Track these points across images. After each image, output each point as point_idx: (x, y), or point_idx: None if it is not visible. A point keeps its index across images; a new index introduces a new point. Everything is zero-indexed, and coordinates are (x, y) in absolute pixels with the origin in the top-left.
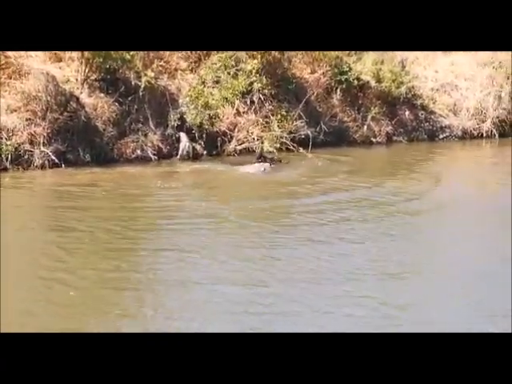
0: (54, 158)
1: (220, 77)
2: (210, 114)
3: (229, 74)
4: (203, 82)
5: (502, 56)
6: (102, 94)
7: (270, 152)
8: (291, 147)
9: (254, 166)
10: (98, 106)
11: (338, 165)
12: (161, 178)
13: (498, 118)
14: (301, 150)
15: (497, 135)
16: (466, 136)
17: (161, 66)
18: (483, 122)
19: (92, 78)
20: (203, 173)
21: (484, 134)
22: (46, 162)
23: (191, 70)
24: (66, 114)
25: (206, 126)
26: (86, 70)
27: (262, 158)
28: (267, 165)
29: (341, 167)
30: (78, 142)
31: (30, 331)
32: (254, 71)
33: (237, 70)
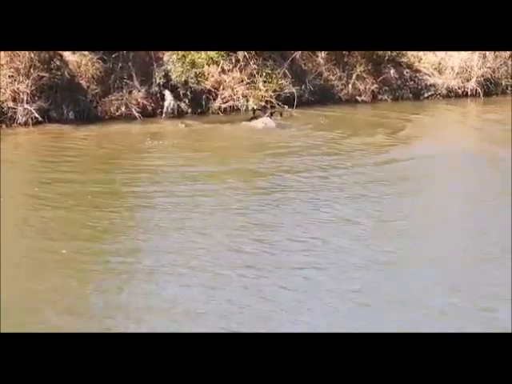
0: (37, 115)
1: None
2: (196, 72)
3: None
4: None
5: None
6: (86, 52)
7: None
8: (276, 105)
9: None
10: (82, 63)
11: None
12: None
13: (482, 76)
14: (286, 108)
15: (481, 94)
16: (451, 95)
17: None
18: (468, 80)
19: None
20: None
21: (469, 93)
22: (30, 119)
23: None
24: (49, 71)
25: (192, 84)
26: None
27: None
28: (268, 119)
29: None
30: (61, 99)
31: (29, 331)
32: None
33: None
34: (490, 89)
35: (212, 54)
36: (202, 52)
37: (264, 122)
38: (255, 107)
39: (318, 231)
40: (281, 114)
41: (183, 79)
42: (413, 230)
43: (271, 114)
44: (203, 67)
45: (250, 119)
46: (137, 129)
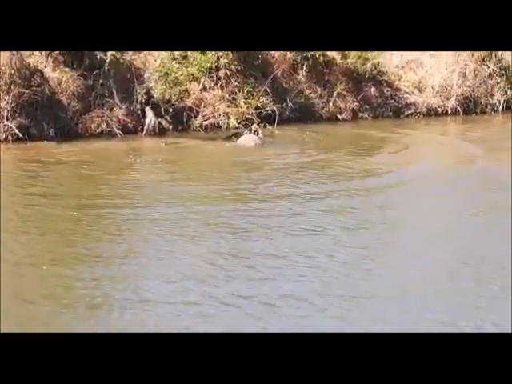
0: (17, 132)
1: (186, 52)
2: (180, 90)
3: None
4: (173, 58)
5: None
6: (67, 69)
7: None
8: (257, 123)
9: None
10: (63, 80)
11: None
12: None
13: (462, 95)
14: (268, 126)
15: (461, 112)
16: (431, 113)
17: None
18: (448, 99)
19: (57, 51)
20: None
21: (449, 111)
22: (10, 136)
23: None
24: (30, 87)
25: (174, 102)
26: None
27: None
28: (252, 137)
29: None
30: (42, 116)
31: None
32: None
33: None
34: (470, 107)
35: (193, 70)
36: (184, 69)
37: (248, 139)
38: (236, 125)
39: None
40: (256, 132)
41: (166, 97)
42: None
43: (254, 132)
44: (186, 84)
45: (231, 136)
46: (118, 146)
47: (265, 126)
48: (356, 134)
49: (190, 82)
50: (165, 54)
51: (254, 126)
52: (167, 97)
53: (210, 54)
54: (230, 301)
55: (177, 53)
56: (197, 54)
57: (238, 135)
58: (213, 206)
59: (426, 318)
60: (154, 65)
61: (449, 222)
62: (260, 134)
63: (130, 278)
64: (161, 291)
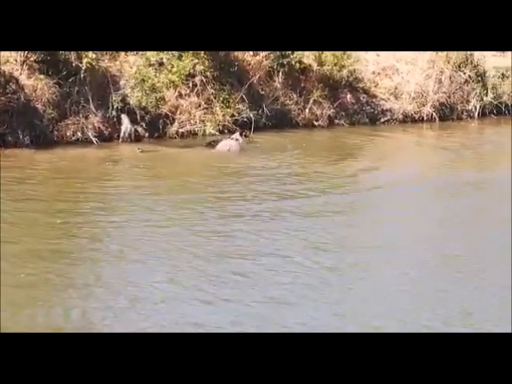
0: None
1: (162, 58)
2: (156, 97)
3: (173, 55)
4: (150, 65)
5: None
6: (42, 76)
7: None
8: (233, 130)
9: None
10: (38, 87)
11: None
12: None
13: (438, 101)
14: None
15: (437, 119)
16: (407, 119)
17: None
18: (424, 105)
19: (32, 59)
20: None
21: (424, 118)
22: None
23: (133, 53)
24: (5, 95)
25: (150, 109)
26: (26, 51)
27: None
28: (233, 143)
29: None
30: (17, 123)
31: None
32: (201, 53)
33: (181, 52)
34: (446, 114)
35: (173, 77)
36: (162, 75)
37: (225, 145)
38: (212, 132)
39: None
40: (246, 136)
41: (143, 104)
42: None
43: (244, 135)
44: (163, 91)
45: (209, 143)
46: (94, 154)
47: (242, 134)
48: (333, 140)
49: (167, 88)
50: (140, 61)
51: (236, 135)
52: (144, 104)
53: (187, 60)
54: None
55: (153, 59)
56: (174, 60)
57: (215, 142)
58: (187, 220)
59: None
60: (130, 72)
61: (420, 228)
62: (240, 140)
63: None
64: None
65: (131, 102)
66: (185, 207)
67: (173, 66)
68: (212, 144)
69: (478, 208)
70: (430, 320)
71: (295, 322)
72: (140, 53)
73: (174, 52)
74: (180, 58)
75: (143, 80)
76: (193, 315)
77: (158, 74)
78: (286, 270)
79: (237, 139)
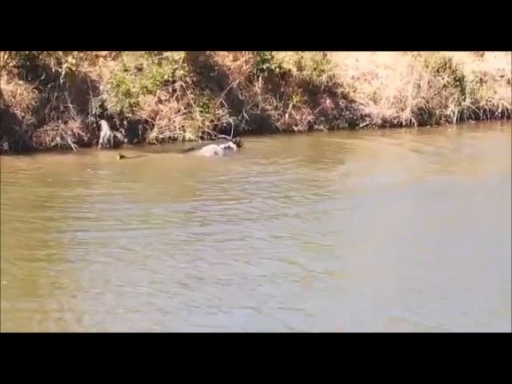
0: None
1: (142, 64)
2: (130, 102)
3: (153, 61)
4: (125, 70)
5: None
6: (21, 81)
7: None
8: (213, 136)
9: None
10: (17, 92)
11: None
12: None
13: (416, 106)
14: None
15: (416, 124)
16: (386, 124)
17: (81, 52)
18: (403, 110)
19: (11, 64)
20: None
21: (403, 123)
22: None
23: (113, 57)
24: None
25: (127, 114)
26: (5, 56)
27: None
28: (219, 148)
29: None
30: None
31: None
32: (180, 60)
33: (161, 58)
34: (425, 119)
35: (147, 83)
36: (137, 81)
37: (208, 151)
38: (192, 138)
39: None
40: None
41: (118, 109)
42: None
43: (237, 144)
44: (138, 97)
45: (188, 149)
46: (73, 160)
47: (235, 142)
48: (312, 145)
49: (143, 94)
50: (118, 66)
51: (229, 143)
52: (118, 109)
53: (167, 67)
54: None
55: (131, 64)
56: (153, 66)
57: (194, 148)
58: (169, 228)
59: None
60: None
61: (397, 232)
62: (235, 148)
63: None
64: None
65: (109, 108)
66: (170, 213)
67: (150, 72)
68: (191, 150)
69: (461, 212)
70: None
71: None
72: (119, 58)
73: (153, 58)
74: (160, 64)
75: (118, 85)
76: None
77: (134, 80)
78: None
79: (229, 147)
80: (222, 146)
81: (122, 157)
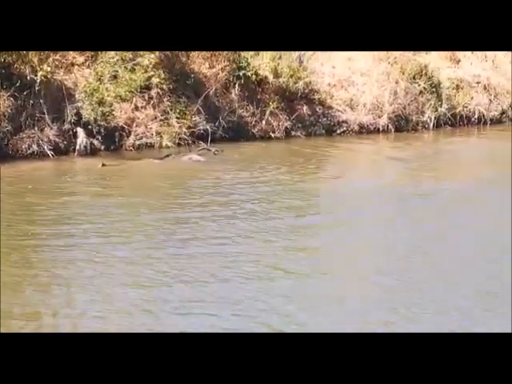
0: None
1: (117, 71)
2: (103, 111)
3: (126, 68)
4: (99, 78)
5: (397, 52)
6: None
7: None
8: (190, 142)
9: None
10: None
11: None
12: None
13: (393, 112)
14: (201, 144)
15: (393, 130)
16: (363, 131)
17: (57, 60)
18: (379, 116)
19: None
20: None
21: (380, 129)
22: None
23: (88, 65)
24: None
25: (101, 122)
26: None
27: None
28: (195, 156)
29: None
30: None
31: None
32: (151, 66)
33: (134, 64)
34: (401, 125)
35: (121, 91)
36: (112, 89)
37: (190, 157)
38: (169, 144)
39: None
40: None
41: (92, 117)
42: None
43: (213, 152)
44: (112, 105)
45: (166, 156)
46: (50, 167)
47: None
48: (289, 152)
49: (118, 102)
50: (92, 75)
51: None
52: (92, 117)
53: (139, 73)
54: None
55: (106, 72)
56: (126, 73)
57: (173, 154)
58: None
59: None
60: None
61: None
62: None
63: None
64: None
65: (84, 116)
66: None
67: (124, 78)
68: (168, 156)
69: (438, 216)
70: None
71: None
72: (94, 66)
73: (127, 65)
74: (133, 70)
75: (92, 94)
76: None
77: (108, 88)
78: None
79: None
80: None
81: (103, 165)
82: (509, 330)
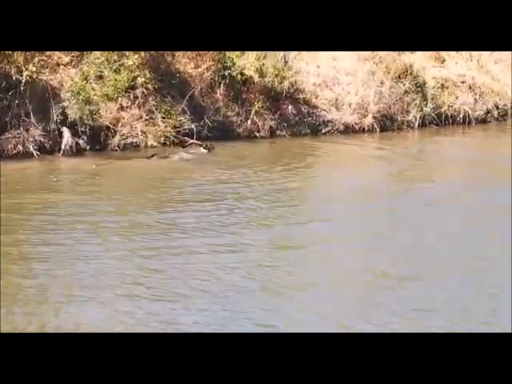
0: None
1: (103, 72)
2: (90, 110)
3: (111, 69)
4: (85, 78)
5: (382, 51)
6: None
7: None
8: (176, 142)
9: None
10: None
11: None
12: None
13: (378, 112)
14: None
15: (378, 129)
16: (348, 130)
17: (42, 60)
18: (365, 116)
19: None
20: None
21: (366, 128)
22: None
23: (74, 65)
24: None
25: (87, 121)
26: None
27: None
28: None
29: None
30: None
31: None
32: (134, 66)
33: (119, 64)
34: (386, 124)
35: (108, 91)
36: (98, 89)
37: (181, 156)
38: (154, 144)
39: None
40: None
41: (79, 116)
42: None
43: (208, 148)
44: (98, 104)
45: (152, 156)
46: (37, 167)
47: (206, 147)
48: (275, 151)
49: (104, 102)
50: (78, 75)
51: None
52: (79, 116)
53: (124, 73)
54: None
55: (91, 72)
56: (111, 74)
57: (155, 155)
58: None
59: None
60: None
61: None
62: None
63: None
64: None
65: (70, 115)
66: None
67: (109, 78)
68: (153, 156)
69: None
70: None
71: None
72: (80, 66)
73: (112, 65)
74: (118, 71)
75: (78, 93)
76: None
77: (95, 88)
78: None
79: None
80: (192, 151)
81: (97, 165)
82: (509, 330)
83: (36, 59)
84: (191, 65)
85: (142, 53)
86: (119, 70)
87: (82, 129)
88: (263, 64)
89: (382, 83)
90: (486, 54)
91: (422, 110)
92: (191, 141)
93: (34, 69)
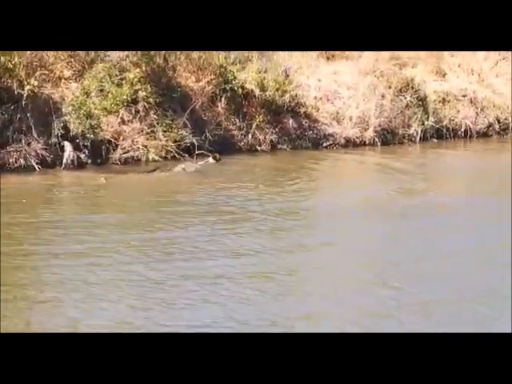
0: None
1: (104, 86)
2: (91, 124)
3: (113, 83)
4: (86, 92)
5: (383, 65)
6: None
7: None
8: (177, 156)
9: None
10: None
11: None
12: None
13: (380, 126)
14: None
15: (379, 143)
16: (349, 144)
17: (44, 74)
18: (366, 130)
19: None
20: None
21: (367, 142)
22: None
23: (75, 79)
24: None
25: (89, 135)
26: None
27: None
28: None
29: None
30: None
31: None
32: (136, 80)
33: (121, 78)
34: (388, 138)
35: (107, 104)
36: (98, 103)
37: (183, 168)
38: (156, 158)
39: None
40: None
41: (80, 130)
42: None
43: (216, 159)
44: (99, 118)
45: (153, 170)
46: (38, 181)
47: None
48: (276, 165)
49: (105, 115)
50: (79, 89)
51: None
52: (80, 130)
53: (126, 87)
54: None
55: (92, 86)
56: (112, 87)
57: (156, 169)
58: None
59: None
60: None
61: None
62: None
63: None
64: None
65: (71, 129)
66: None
67: (111, 92)
68: (155, 170)
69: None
70: None
71: None
72: (81, 80)
73: (113, 79)
74: (119, 85)
75: (79, 107)
76: None
77: (94, 101)
78: None
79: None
80: (201, 162)
81: (105, 179)
82: (509, 330)
83: (38, 73)
84: (192, 79)
85: (143, 66)
86: (121, 83)
87: (84, 143)
88: (264, 78)
89: (383, 97)
90: (487, 67)
91: (423, 124)
92: (201, 150)
93: (36, 83)
